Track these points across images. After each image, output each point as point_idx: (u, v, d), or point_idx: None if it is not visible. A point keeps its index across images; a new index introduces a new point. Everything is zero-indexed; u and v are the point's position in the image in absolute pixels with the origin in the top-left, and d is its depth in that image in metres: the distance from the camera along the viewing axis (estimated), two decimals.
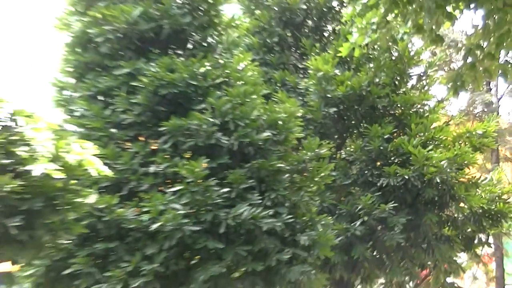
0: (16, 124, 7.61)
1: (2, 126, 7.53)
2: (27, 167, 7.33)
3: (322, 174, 12.48)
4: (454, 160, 15.05)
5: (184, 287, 10.73)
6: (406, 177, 14.83)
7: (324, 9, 17.57)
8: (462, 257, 20.18)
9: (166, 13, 11.87)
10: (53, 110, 12.19)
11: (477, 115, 29.14)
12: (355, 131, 16.70)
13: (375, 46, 15.57)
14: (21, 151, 7.38)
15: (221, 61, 12.07)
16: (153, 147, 11.33)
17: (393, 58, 16.29)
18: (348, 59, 15.81)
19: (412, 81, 17.23)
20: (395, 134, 16.19)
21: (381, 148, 15.42)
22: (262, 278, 11.38)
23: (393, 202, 14.84)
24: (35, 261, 10.58)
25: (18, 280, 10.59)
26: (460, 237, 16.64)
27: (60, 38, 12.59)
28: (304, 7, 17.19)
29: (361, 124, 16.36)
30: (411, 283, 18.33)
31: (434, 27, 8.85)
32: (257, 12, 17.43)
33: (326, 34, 18.17)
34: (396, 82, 16.56)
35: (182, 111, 11.15)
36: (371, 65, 16.00)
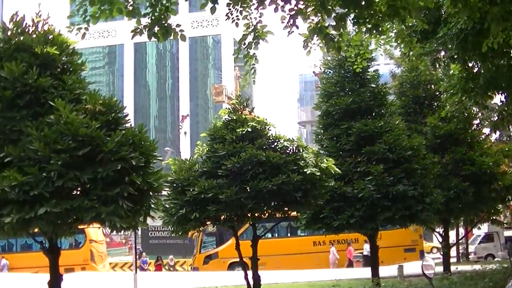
0: (298, 150, 17.50)
1: (292, 152, 17.45)
2: (305, 170, 16.81)
3: None
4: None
5: None
6: None
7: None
8: None
9: None
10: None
11: None
12: None
13: None
14: (300, 162, 16.95)
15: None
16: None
17: None
18: None
19: None
20: None
21: None
22: None
23: None
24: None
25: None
26: None
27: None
28: None
29: None
30: None
31: None
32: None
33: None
34: None
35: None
36: None
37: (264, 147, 17.38)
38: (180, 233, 18.37)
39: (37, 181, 11.41)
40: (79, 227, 14.01)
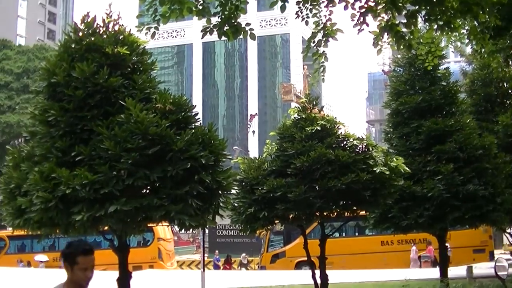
0: (368, 149, 17.31)
1: (362, 150, 17.24)
2: (374, 169, 16.64)
3: None
4: None
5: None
6: None
7: None
8: None
9: None
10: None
11: None
12: None
13: None
14: (370, 161, 16.75)
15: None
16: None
17: None
18: None
19: None
20: None
21: None
22: None
23: None
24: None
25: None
26: None
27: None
28: None
29: None
30: None
31: None
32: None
33: None
34: None
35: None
36: None
37: (334, 145, 17.24)
38: (248, 232, 18.36)
39: (107, 180, 11.53)
40: (148, 225, 14.14)
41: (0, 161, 63.34)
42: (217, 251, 49.62)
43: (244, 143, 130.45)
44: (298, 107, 19.09)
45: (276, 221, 18.79)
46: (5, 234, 47.33)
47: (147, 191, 12.36)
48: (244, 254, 46.92)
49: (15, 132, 63.88)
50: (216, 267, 48.20)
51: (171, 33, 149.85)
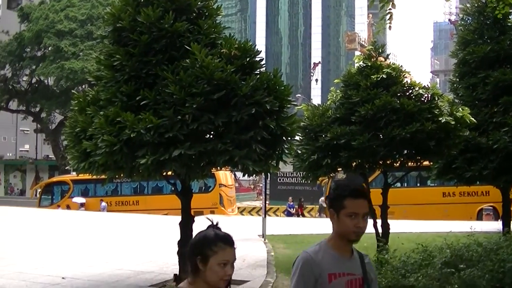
0: (433, 98, 16.90)
1: (427, 100, 16.87)
2: (439, 118, 16.36)
3: None
4: None
5: None
6: None
7: None
8: None
9: None
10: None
11: None
12: None
13: None
14: (435, 111, 16.44)
15: None
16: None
17: None
18: None
19: None
20: None
21: None
22: None
23: None
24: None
25: None
26: None
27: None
28: None
29: None
30: None
31: None
32: None
33: None
34: None
35: None
36: None
37: (399, 94, 17.06)
38: (310, 179, 18.37)
39: (172, 124, 11.58)
40: (212, 170, 14.20)
41: (65, 106, 64.42)
42: (290, 198, 49.57)
43: (307, 91, 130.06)
44: (364, 54, 18.88)
45: (338, 169, 18.72)
46: (69, 178, 48.27)
47: (211, 136, 12.41)
48: (323, 198, 46.28)
49: (79, 78, 64.47)
50: (289, 213, 48.37)
51: None
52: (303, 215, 47.89)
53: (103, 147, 11.68)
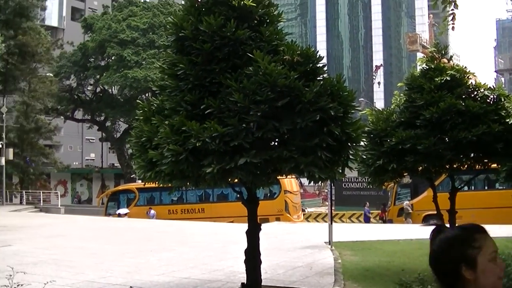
0: (499, 99, 16.67)
1: (493, 101, 16.61)
2: (507, 120, 16.10)
3: None
4: None
5: None
6: None
7: None
8: None
9: None
10: None
11: None
12: None
13: None
14: (502, 112, 16.21)
15: None
16: None
17: None
18: None
19: None
20: None
21: None
22: None
23: None
24: None
25: None
26: None
27: None
28: None
29: None
30: None
31: None
32: None
33: None
34: None
35: None
36: None
37: (464, 96, 16.88)
38: (376, 185, 18.24)
39: (237, 132, 11.58)
40: (277, 177, 14.18)
41: (129, 115, 65.18)
42: (367, 203, 49.30)
43: (369, 95, 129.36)
44: (427, 57, 18.70)
45: (404, 174, 18.57)
46: (134, 186, 48.78)
47: (276, 143, 12.36)
48: (407, 202, 45.61)
49: (142, 86, 65.30)
50: (367, 219, 48.09)
51: None
52: (384, 220, 47.06)
53: (169, 157, 11.73)
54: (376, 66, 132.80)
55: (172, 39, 13.45)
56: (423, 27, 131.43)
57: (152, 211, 45.23)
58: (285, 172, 12.74)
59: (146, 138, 12.72)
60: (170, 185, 13.41)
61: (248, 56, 12.32)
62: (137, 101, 14.82)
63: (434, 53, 18.32)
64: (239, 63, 12.44)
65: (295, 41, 13.43)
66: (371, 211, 49.31)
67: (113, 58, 71.09)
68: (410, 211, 41.80)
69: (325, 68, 13.07)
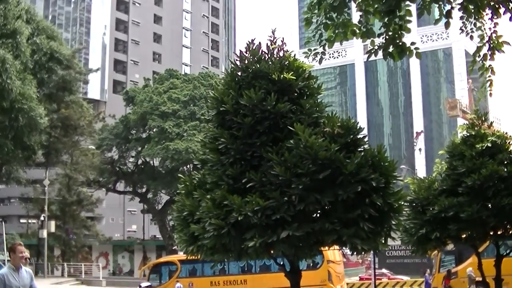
0: None
1: None
2: None
3: None
4: None
5: None
6: None
7: None
8: None
9: None
10: None
11: None
12: None
13: None
14: None
15: None
16: None
17: None
18: None
19: None
20: None
21: None
22: None
23: None
24: None
25: None
26: None
27: None
28: None
29: None
30: None
31: None
32: None
33: None
34: None
35: None
36: None
37: (506, 162, 16.81)
38: (419, 253, 18.10)
39: (279, 205, 11.62)
40: (320, 249, 14.12)
41: (171, 186, 65.50)
42: (428, 270, 48.58)
43: (411, 161, 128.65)
44: (467, 123, 18.69)
45: (448, 242, 18.40)
46: (176, 258, 48.67)
47: (318, 215, 12.34)
48: (470, 268, 44.65)
49: (184, 158, 65.65)
50: (428, 286, 47.35)
51: (332, 53, 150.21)
52: None
53: (211, 231, 11.80)
54: (416, 132, 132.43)
55: (213, 113, 13.59)
56: (462, 92, 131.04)
57: (178, 284, 44.94)
58: (327, 244, 12.71)
59: (188, 212, 12.81)
60: (212, 258, 13.42)
61: (288, 129, 12.43)
62: (179, 175, 14.93)
63: (474, 120, 18.31)
64: (280, 136, 12.54)
65: (335, 113, 13.49)
66: (415, 279, 48.59)
67: (154, 130, 71.71)
68: (475, 277, 41.00)
69: (366, 139, 13.11)
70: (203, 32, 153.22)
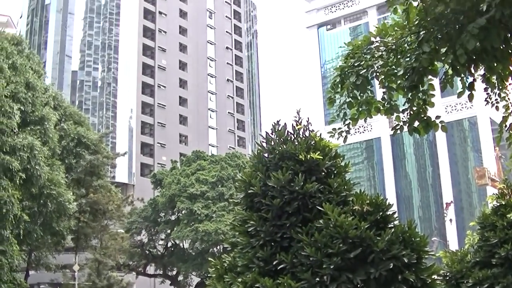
0: None
1: None
2: None
3: None
4: None
5: None
6: None
7: None
8: None
9: None
10: None
11: None
12: None
13: None
14: None
15: None
16: None
17: None
18: None
19: None
20: None
21: None
22: None
23: None
24: None
25: None
26: None
27: None
28: None
29: None
30: None
31: None
32: None
33: None
34: None
35: None
36: None
37: None
38: None
39: (311, 286, 11.56)
40: None
41: (201, 268, 65.32)
42: None
43: (442, 233, 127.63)
44: (497, 194, 18.62)
45: None
46: None
47: None
48: None
49: (213, 239, 65.68)
50: None
51: (358, 129, 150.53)
52: None
53: None
54: (446, 203, 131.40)
55: (242, 196, 13.64)
56: (490, 160, 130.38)
57: None
58: None
59: None
60: None
61: (317, 209, 12.43)
62: (209, 258, 14.97)
63: (504, 190, 18.24)
64: (309, 217, 12.53)
65: (363, 191, 13.50)
66: None
67: (183, 212, 71.96)
68: None
69: (396, 215, 13.09)
70: (229, 112, 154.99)
